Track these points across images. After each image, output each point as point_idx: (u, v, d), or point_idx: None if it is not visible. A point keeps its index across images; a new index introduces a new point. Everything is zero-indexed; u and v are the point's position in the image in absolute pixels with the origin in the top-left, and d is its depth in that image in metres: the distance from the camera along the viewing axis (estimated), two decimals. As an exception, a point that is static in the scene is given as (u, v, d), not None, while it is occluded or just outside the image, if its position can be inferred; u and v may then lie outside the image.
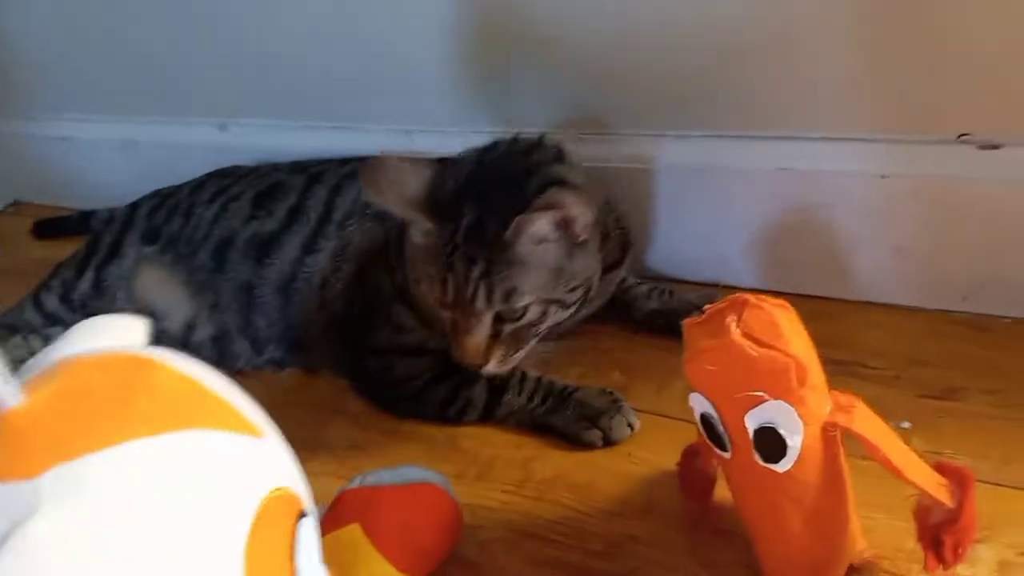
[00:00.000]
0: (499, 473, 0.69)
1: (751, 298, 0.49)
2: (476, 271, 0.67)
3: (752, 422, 0.49)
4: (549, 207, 0.65)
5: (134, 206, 0.96)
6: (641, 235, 0.86)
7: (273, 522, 0.38)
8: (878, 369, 0.71)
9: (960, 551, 0.50)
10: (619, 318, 0.83)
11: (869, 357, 0.72)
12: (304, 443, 0.43)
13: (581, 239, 0.68)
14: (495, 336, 0.69)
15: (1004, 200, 0.70)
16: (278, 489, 0.38)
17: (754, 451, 0.49)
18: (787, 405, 0.48)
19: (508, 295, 0.67)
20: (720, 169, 0.80)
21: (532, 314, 0.69)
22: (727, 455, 0.51)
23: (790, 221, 0.79)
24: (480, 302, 0.67)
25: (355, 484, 0.59)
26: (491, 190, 0.69)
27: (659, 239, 0.87)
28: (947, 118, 0.70)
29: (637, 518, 0.63)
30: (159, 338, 0.93)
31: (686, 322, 0.51)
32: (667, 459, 0.66)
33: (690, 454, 0.61)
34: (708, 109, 0.79)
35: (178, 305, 0.88)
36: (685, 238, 0.86)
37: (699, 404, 0.51)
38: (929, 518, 0.51)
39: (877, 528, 0.57)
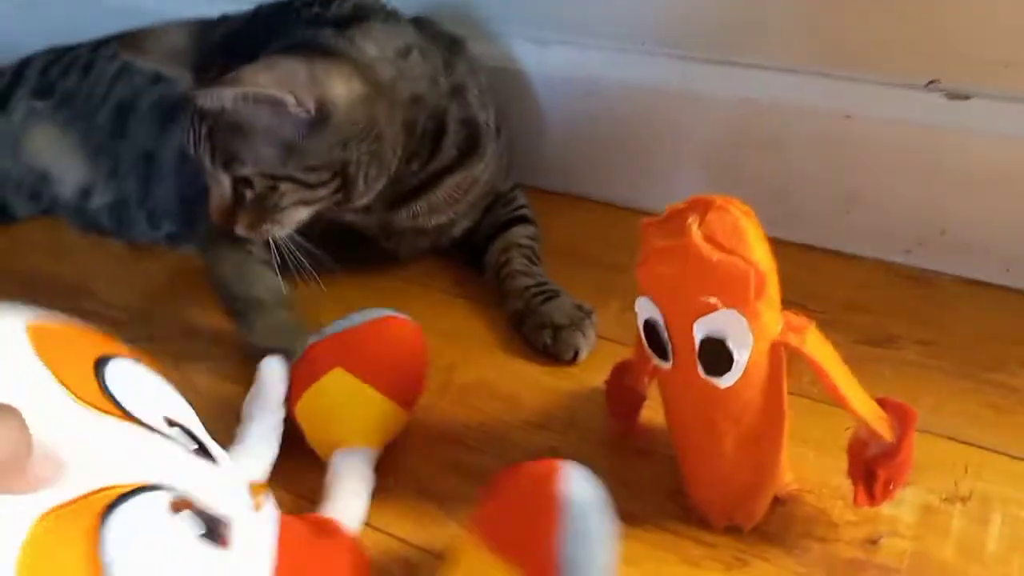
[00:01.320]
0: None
1: (716, 199, 0.45)
2: (203, 130, 0.62)
3: (700, 331, 0.45)
4: (232, 83, 0.58)
5: (26, 61, 0.87)
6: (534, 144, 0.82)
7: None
8: (816, 312, 0.68)
9: (892, 487, 0.49)
10: (559, 235, 0.80)
11: (808, 299, 0.69)
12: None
13: (321, 118, 0.61)
14: (240, 201, 0.64)
15: (964, 154, 0.68)
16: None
17: (698, 363, 0.46)
18: (740, 316, 0.45)
19: (228, 161, 0.62)
20: (669, 92, 0.77)
21: (260, 186, 0.63)
22: (667, 365, 0.48)
23: (738, 154, 0.77)
24: (208, 162, 0.63)
25: (317, 338, 0.58)
26: (240, 47, 0.62)
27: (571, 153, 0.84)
28: (917, 63, 0.68)
29: (559, 432, 0.60)
30: (53, 202, 0.86)
31: (644, 221, 0.48)
32: (596, 377, 0.63)
33: (620, 371, 0.58)
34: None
35: (73, 169, 0.80)
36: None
37: (645, 309, 0.48)
38: (865, 451, 0.49)
39: (804, 463, 0.56)
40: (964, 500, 0.54)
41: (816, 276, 0.74)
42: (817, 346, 0.48)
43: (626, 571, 0.50)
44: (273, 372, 0.58)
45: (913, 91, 0.68)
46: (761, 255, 0.45)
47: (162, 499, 0.37)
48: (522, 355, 0.67)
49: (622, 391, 0.58)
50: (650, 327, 0.48)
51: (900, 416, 0.49)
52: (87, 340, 0.43)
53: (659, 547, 0.52)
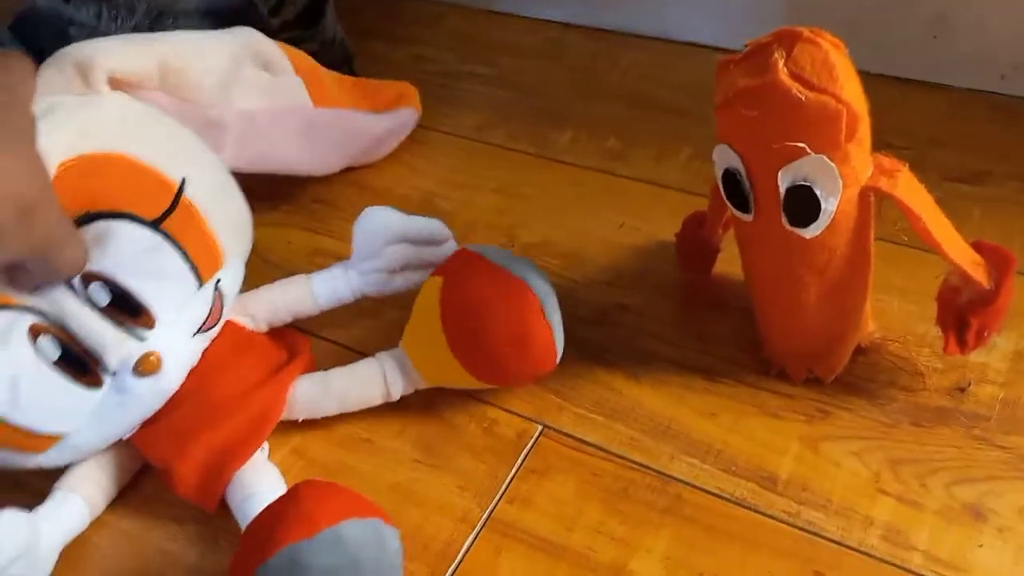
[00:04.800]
0: (481, 238, 0.63)
1: (804, 31, 0.41)
2: None
3: (786, 179, 0.42)
4: None
5: None
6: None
7: None
8: (902, 148, 0.64)
9: (986, 334, 0.46)
10: (610, 79, 0.75)
11: (893, 136, 0.65)
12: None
13: None
14: None
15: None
16: None
17: (782, 213, 0.43)
18: (829, 162, 0.41)
19: None
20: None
21: None
22: (748, 217, 0.45)
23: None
24: None
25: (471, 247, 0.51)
26: None
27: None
28: None
29: (629, 287, 0.58)
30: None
31: (722, 58, 0.43)
32: (663, 230, 0.60)
33: (694, 222, 0.56)
34: None
35: None
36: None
37: (724, 157, 0.45)
38: (957, 298, 0.47)
39: (888, 311, 0.54)
40: (1058, 343, 0.51)
41: (901, 110, 0.69)
42: (910, 190, 0.44)
43: (703, 424, 0.50)
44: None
45: None
46: (853, 93, 0.41)
47: (23, 320, 0.41)
48: (587, 213, 0.65)
49: (695, 243, 0.56)
50: (730, 176, 0.45)
51: (998, 261, 0.45)
52: (87, 192, 0.43)
53: (736, 399, 0.51)
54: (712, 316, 0.56)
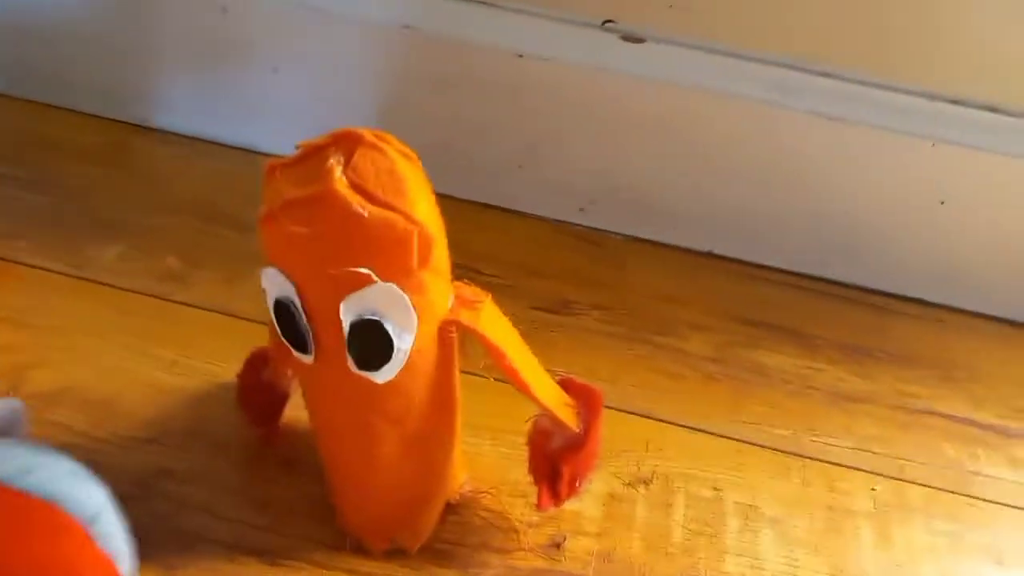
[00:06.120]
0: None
1: (366, 133, 0.34)
2: None
3: (350, 312, 0.34)
4: None
5: None
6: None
7: None
8: (492, 276, 0.61)
9: (578, 483, 0.42)
10: (176, 188, 0.64)
11: (482, 263, 0.62)
12: None
13: None
14: None
15: (635, 101, 0.64)
16: None
17: (347, 354, 0.35)
18: (400, 292, 0.34)
19: None
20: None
21: None
22: (308, 359, 0.36)
23: (403, 91, 0.66)
24: None
25: None
26: None
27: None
28: (594, 1, 0.62)
29: (177, 446, 0.46)
30: None
31: (269, 162, 0.35)
32: (228, 370, 0.49)
33: (256, 362, 0.45)
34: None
35: None
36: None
37: (275, 284, 0.35)
38: (548, 444, 0.42)
39: (479, 456, 0.48)
40: (647, 483, 0.49)
41: (491, 236, 0.67)
42: (493, 325, 0.39)
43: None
44: None
45: (589, 29, 0.63)
46: (426, 211, 0.35)
47: None
48: (130, 349, 0.51)
49: (259, 388, 0.45)
50: (283, 308, 0.36)
51: (587, 400, 0.42)
52: None
53: (307, 585, 0.41)
54: (279, 479, 0.45)
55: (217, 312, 0.55)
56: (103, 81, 0.70)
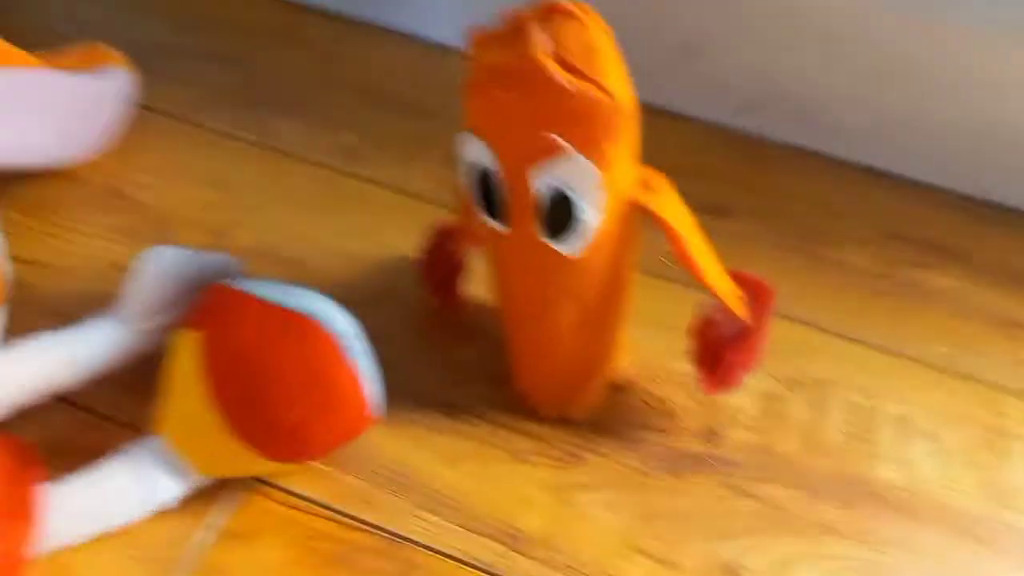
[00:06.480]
0: (182, 237, 0.52)
1: (569, 4, 0.34)
2: None
3: (541, 182, 0.36)
4: None
5: None
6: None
7: None
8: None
9: (742, 372, 0.43)
10: (353, 71, 0.67)
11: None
12: None
13: None
14: None
15: (803, 5, 0.61)
16: None
17: (536, 221, 0.37)
18: (591, 164, 0.35)
19: None
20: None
21: None
22: (501, 227, 0.38)
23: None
24: None
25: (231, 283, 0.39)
26: None
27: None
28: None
29: (368, 308, 0.49)
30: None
31: (473, 32, 0.36)
32: (404, 243, 0.52)
33: (440, 235, 0.48)
34: None
35: None
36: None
37: (474, 151, 0.37)
38: (714, 333, 0.43)
39: (641, 345, 0.49)
40: (803, 386, 0.49)
41: (656, 138, 0.66)
42: (674, 209, 0.40)
43: (445, 472, 0.42)
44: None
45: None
46: (621, 85, 0.36)
47: None
48: (316, 216, 0.55)
49: (442, 260, 0.48)
50: (480, 176, 0.38)
51: (758, 294, 0.42)
52: None
53: (484, 442, 0.44)
54: (460, 344, 0.48)
55: (393, 189, 0.58)
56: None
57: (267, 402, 0.36)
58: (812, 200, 0.63)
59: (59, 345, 0.40)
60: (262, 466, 0.38)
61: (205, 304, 0.38)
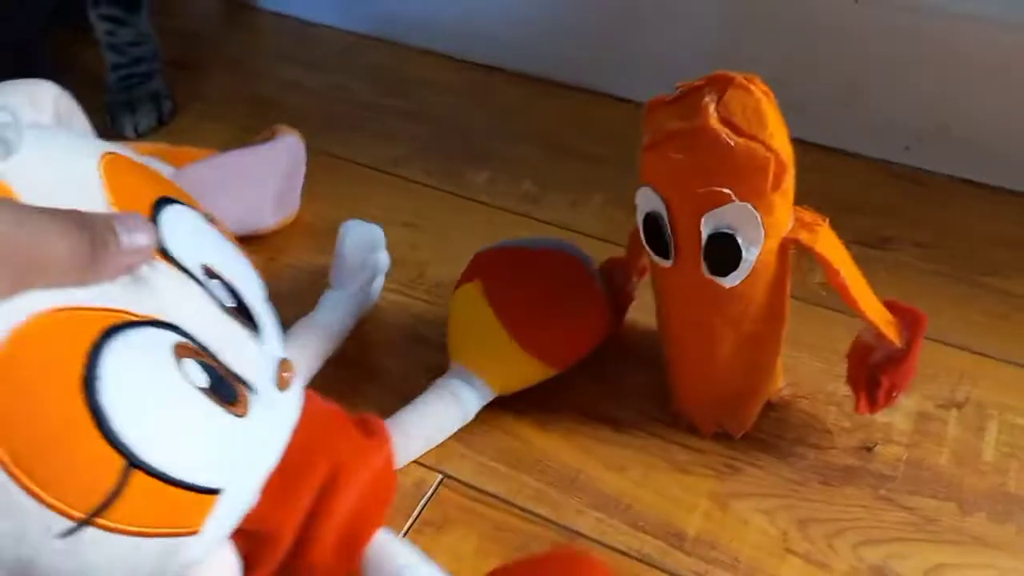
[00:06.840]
0: (391, 272, 0.60)
1: (737, 76, 0.40)
2: None
3: (709, 225, 0.41)
4: None
5: None
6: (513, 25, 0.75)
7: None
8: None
9: (895, 393, 0.46)
10: (539, 124, 0.74)
11: (801, 198, 0.66)
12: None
13: None
14: None
15: (967, 42, 0.63)
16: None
17: (703, 260, 0.42)
18: (754, 210, 0.41)
19: None
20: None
21: None
22: (667, 263, 0.44)
23: (734, 35, 0.71)
24: None
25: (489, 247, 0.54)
26: None
27: None
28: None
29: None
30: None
31: (651, 100, 0.43)
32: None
33: (608, 269, 0.54)
34: None
35: None
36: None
37: (647, 201, 0.43)
38: (869, 356, 0.47)
39: (798, 368, 0.53)
40: (960, 407, 0.52)
41: (817, 175, 0.70)
42: (829, 245, 0.44)
43: (611, 477, 0.48)
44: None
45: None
46: (781, 142, 0.41)
47: (168, 339, 0.33)
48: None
49: (611, 290, 0.54)
50: (651, 220, 0.44)
51: (911, 321, 0.46)
52: (155, 181, 0.39)
53: (646, 452, 0.49)
54: (623, 366, 0.54)
55: (565, 228, 0.65)
56: (458, 24, 0.82)
57: (552, 319, 0.49)
58: (976, 230, 0.65)
59: (315, 325, 0.51)
60: (542, 374, 0.50)
61: (474, 264, 0.52)
